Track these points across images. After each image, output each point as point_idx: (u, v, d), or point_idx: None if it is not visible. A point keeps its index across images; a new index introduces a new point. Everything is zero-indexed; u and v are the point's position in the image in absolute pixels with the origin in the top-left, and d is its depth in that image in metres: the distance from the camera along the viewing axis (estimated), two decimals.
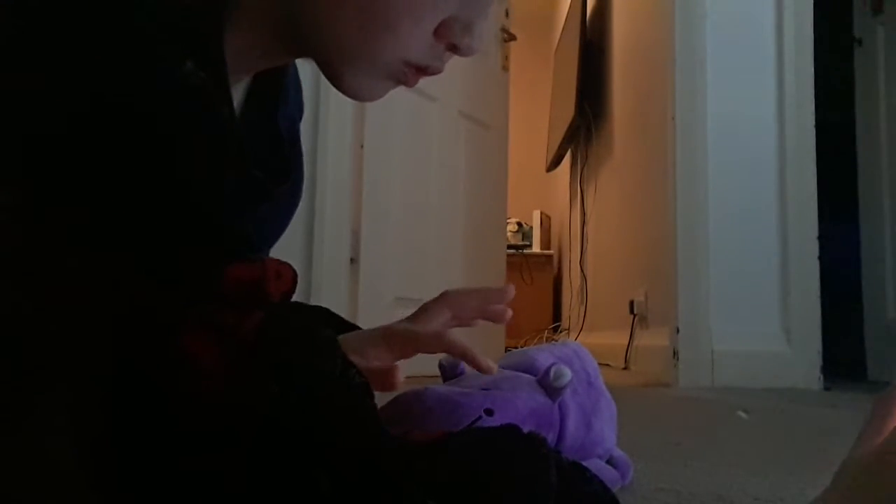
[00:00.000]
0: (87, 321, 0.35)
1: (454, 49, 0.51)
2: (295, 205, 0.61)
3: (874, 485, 0.35)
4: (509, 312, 0.68)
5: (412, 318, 0.66)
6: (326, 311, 0.70)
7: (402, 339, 0.62)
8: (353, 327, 0.69)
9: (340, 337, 0.63)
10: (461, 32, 0.50)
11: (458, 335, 0.62)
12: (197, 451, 0.33)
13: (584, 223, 3.96)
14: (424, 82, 0.54)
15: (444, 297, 0.67)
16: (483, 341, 2.75)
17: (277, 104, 0.59)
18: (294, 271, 0.41)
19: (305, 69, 0.60)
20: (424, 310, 0.66)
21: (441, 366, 0.71)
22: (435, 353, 0.62)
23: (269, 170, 0.54)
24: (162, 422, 0.34)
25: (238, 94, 0.55)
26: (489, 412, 0.61)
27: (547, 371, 0.66)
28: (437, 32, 0.50)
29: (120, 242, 0.39)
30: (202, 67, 0.41)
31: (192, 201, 0.42)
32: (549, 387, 0.66)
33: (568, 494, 0.35)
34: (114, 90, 0.38)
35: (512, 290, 0.68)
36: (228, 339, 0.35)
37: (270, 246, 0.61)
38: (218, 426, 0.33)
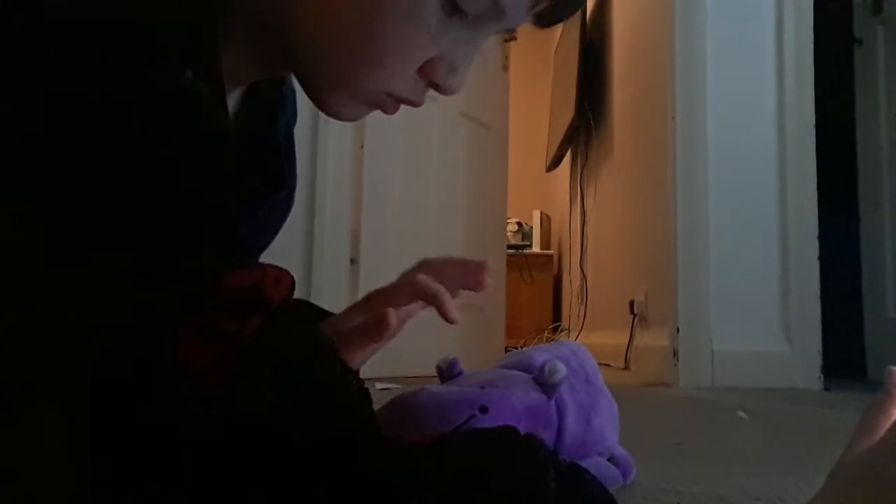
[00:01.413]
0: (84, 327, 0.35)
1: (435, 87, 0.52)
2: (288, 211, 0.61)
3: (870, 485, 0.35)
4: (489, 281, 0.68)
5: (391, 285, 0.67)
6: (307, 303, 0.70)
7: (377, 297, 0.62)
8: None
9: (328, 320, 0.63)
10: (445, 73, 0.51)
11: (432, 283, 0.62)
12: (194, 457, 0.33)
13: (584, 223, 3.96)
14: None
15: (422, 264, 0.67)
16: (483, 341, 2.75)
17: (276, 111, 0.59)
18: (292, 277, 0.41)
19: None
20: (401, 277, 0.67)
21: (438, 367, 0.71)
22: (410, 301, 0.62)
23: (265, 176, 0.54)
24: (160, 428, 0.34)
25: (232, 101, 0.55)
26: (484, 410, 0.61)
27: (541, 367, 0.66)
28: (422, 70, 0.51)
29: (117, 249, 0.39)
30: (200, 76, 0.41)
31: (190, 208, 0.42)
32: (544, 383, 0.66)
33: (566, 497, 0.35)
34: (113, 98, 0.38)
35: (489, 265, 0.68)
36: (226, 345, 0.35)
37: (262, 252, 0.61)
38: (215, 432, 0.33)
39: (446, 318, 0.61)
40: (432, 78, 0.51)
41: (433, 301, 0.61)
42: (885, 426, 0.40)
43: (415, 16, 0.47)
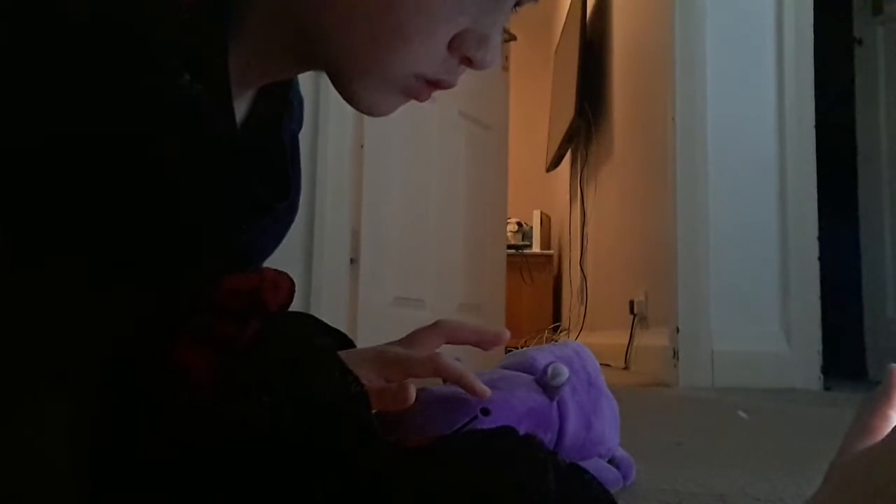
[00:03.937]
0: (81, 333, 0.35)
1: (468, 62, 0.51)
2: (292, 219, 0.60)
3: (871, 489, 0.34)
4: (505, 338, 0.68)
5: (405, 342, 0.66)
6: (312, 318, 0.70)
7: (395, 361, 0.62)
8: (339, 333, 0.69)
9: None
10: (476, 46, 0.49)
11: (452, 360, 0.62)
12: (192, 464, 0.33)
13: (584, 223, 3.96)
14: None
15: (438, 326, 0.66)
16: None
17: (282, 118, 0.59)
18: (292, 282, 0.41)
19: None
20: (417, 335, 0.66)
21: None
22: (427, 377, 0.62)
23: (270, 184, 0.54)
24: (157, 434, 0.33)
25: (242, 107, 0.54)
26: (485, 412, 0.61)
27: (544, 370, 0.66)
28: (451, 45, 0.49)
29: (116, 255, 0.39)
30: (201, 80, 0.40)
31: (190, 215, 0.42)
32: (546, 385, 0.66)
33: (566, 498, 0.35)
34: (108, 102, 0.38)
35: (507, 335, 0.68)
36: (223, 350, 0.35)
37: (264, 260, 0.60)
38: (214, 438, 0.33)
39: (476, 395, 0.61)
40: (463, 52, 0.49)
41: (458, 381, 0.61)
42: (884, 427, 0.39)
43: None
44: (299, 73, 0.58)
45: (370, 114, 0.53)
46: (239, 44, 0.46)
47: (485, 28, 0.49)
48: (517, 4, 0.52)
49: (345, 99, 0.52)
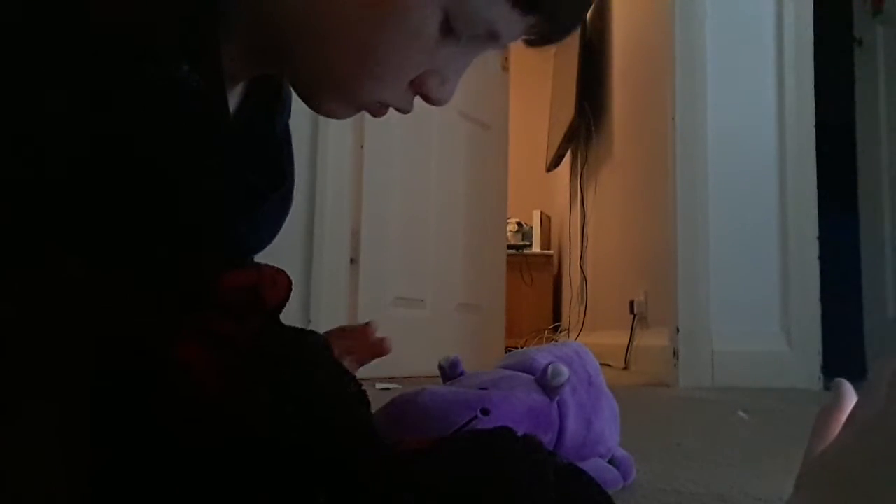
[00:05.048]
0: (81, 329, 0.35)
1: (425, 98, 0.54)
2: (287, 210, 0.62)
3: (825, 488, 0.35)
4: (387, 347, 0.72)
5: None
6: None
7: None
8: None
9: None
10: (436, 86, 0.53)
11: None
12: (191, 461, 0.33)
13: (584, 223, 3.96)
14: None
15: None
16: (483, 341, 2.75)
17: (275, 108, 0.59)
18: (289, 279, 0.41)
19: None
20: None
21: (440, 367, 0.71)
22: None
23: (264, 174, 0.54)
24: (157, 432, 0.33)
25: (234, 98, 0.55)
26: (485, 412, 0.61)
27: (544, 370, 0.66)
28: (413, 82, 0.53)
29: (114, 249, 0.39)
30: (198, 71, 0.41)
31: (187, 206, 0.42)
32: (546, 385, 0.66)
33: (566, 498, 0.35)
34: (108, 92, 0.38)
35: (375, 326, 0.73)
36: (224, 348, 0.35)
37: (260, 251, 0.61)
38: (212, 436, 0.33)
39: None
40: (423, 90, 0.53)
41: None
42: (836, 430, 0.40)
43: (416, 38, 0.49)
44: (272, 72, 0.59)
45: (326, 116, 0.57)
46: (226, 39, 0.47)
47: (448, 72, 0.53)
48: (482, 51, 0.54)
49: (304, 101, 0.55)
